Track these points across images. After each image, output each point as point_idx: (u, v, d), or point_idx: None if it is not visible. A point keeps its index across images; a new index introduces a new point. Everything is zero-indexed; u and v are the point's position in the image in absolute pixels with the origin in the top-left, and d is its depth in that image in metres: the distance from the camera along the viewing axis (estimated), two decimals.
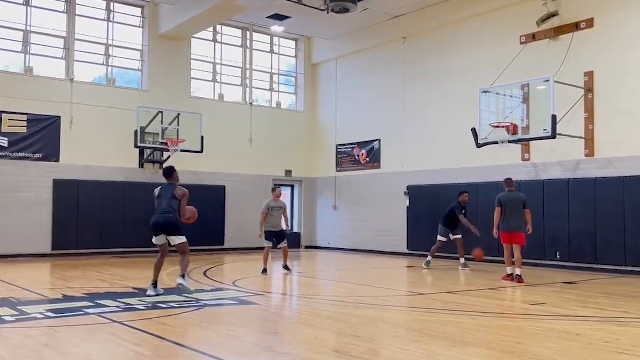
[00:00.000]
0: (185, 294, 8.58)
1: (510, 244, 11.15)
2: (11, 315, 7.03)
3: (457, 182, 15.20)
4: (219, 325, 6.84)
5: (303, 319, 7.58)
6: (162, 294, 8.70)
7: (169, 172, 9.08)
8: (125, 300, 8.25)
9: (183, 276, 8.62)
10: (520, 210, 11.20)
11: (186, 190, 8.92)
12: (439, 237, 13.65)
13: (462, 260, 13.54)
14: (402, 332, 6.66)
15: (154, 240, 8.86)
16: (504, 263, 11.51)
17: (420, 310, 8.13)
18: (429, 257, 13.87)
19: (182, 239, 8.71)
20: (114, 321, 6.79)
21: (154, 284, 8.81)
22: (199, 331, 6.53)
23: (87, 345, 5.77)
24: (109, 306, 7.77)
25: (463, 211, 13.48)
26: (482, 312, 7.82)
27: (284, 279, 11.96)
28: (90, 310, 7.42)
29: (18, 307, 7.59)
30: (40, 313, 7.25)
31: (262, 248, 12.29)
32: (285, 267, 12.61)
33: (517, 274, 10.99)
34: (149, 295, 8.58)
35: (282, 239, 12.45)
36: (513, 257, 11.14)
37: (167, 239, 8.76)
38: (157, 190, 9.03)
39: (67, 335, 6.15)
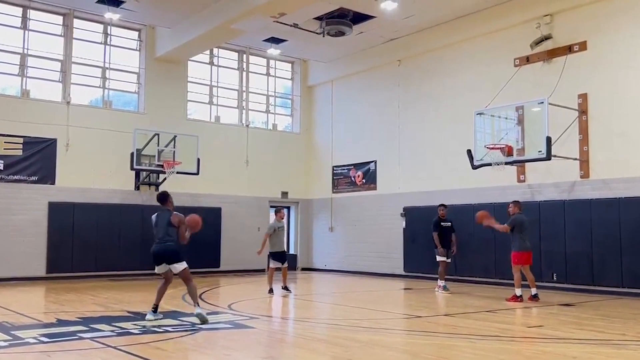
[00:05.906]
0: (202, 321, 8.38)
1: (526, 264, 11.57)
2: (4, 340, 6.95)
3: (454, 204, 15.20)
4: (214, 350, 6.79)
5: (299, 343, 7.52)
6: (160, 319, 8.66)
7: (163, 198, 9.07)
8: (120, 324, 8.19)
9: (198, 305, 8.64)
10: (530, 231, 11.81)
11: (182, 216, 8.87)
12: (438, 258, 13.45)
13: (442, 282, 13.33)
14: (399, 356, 6.61)
15: (157, 269, 8.89)
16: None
17: (418, 334, 8.08)
18: (443, 282, 13.25)
19: (182, 265, 8.70)
20: (109, 346, 6.73)
21: (155, 309, 8.76)
22: (194, 356, 6.47)
23: None
24: (103, 330, 7.70)
25: (447, 224, 13.42)
26: (480, 335, 7.77)
27: (281, 302, 11.89)
28: (84, 335, 7.36)
29: (11, 332, 7.52)
30: (34, 338, 7.18)
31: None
32: (285, 288, 12.84)
33: (535, 293, 11.50)
34: (147, 320, 8.53)
35: (284, 260, 12.85)
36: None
37: (169, 267, 8.76)
38: (154, 217, 9.01)
39: None
